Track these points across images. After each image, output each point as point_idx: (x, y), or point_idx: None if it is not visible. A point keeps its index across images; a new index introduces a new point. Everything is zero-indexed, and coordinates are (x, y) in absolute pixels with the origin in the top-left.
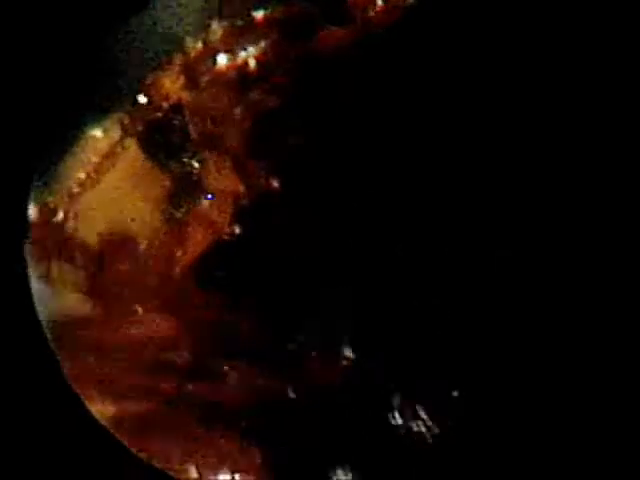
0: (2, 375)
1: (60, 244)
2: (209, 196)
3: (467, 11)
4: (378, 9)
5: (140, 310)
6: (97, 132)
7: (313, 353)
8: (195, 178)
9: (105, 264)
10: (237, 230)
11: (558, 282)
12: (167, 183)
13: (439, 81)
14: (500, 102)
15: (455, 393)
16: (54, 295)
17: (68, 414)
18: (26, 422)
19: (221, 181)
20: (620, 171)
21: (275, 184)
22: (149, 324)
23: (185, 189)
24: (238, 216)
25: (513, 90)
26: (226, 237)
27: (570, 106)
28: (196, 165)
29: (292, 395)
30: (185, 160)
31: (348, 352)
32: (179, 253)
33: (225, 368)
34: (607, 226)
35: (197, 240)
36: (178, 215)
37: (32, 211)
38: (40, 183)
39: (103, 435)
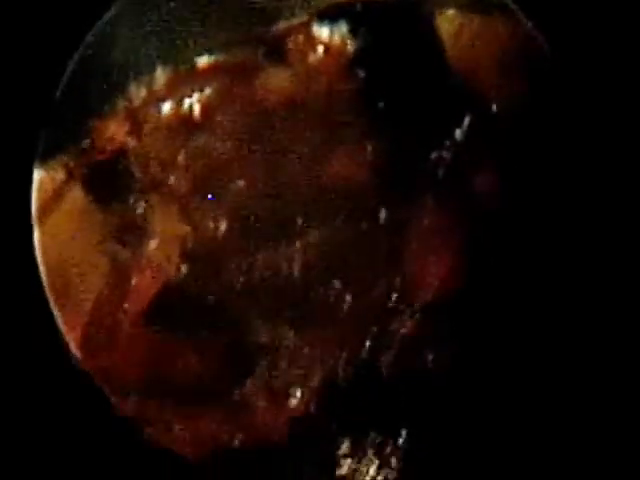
0: None
1: None
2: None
3: None
4: (318, 56)
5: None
6: (42, 175)
7: (261, 400)
8: (140, 221)
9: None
10: (185, 271)
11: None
12: (112, 226)
13: None
14: None
15: (405, 435)
16: None
17: None
18: None
19: (167, 224)
20: None
21: (222, 227)
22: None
23: (130, 232)
24: (186, 257)
25: None
26: (175, 279)
27: None
28: (141, 208)
29: (237, 444)
30: (130, 203)
31: (296, 400)
32: (126, 305)
33: (172, 413)
34: None
35: (143, 288)
36: (124, 257)
37: None
38: None
39: None
